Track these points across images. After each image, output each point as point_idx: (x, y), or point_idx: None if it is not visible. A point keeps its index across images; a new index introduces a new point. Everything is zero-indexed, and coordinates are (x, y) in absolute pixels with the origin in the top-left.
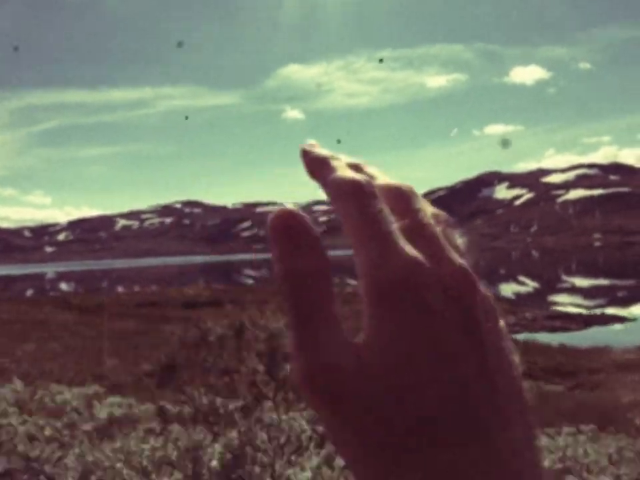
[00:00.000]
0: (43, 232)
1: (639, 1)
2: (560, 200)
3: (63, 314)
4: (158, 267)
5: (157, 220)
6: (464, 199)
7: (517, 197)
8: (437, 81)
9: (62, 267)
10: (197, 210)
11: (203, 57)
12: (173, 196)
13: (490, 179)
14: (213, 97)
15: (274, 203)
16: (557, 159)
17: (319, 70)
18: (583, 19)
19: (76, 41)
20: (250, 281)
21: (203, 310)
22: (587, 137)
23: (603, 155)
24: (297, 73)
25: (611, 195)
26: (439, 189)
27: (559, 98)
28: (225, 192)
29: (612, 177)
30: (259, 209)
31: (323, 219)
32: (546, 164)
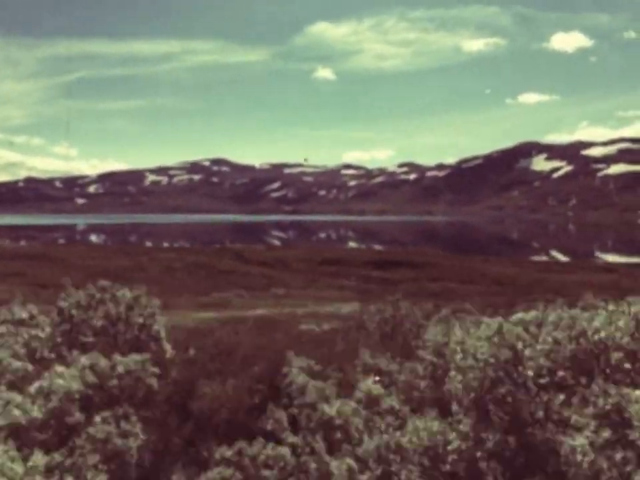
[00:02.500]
0: (74, 183)
1: None
2: (600, 174)
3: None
4: (187, 224)
5: (185, 177)
6: (500, 169)
7: (555, 169)
8: (474, 44)
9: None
10: (224, 168)
11: (232, 12)
12: (199, 153)
13: (527, 150)
14: (241, 53)
15: (301, 165)
16: (590, 131)
17: (349, 29)
18: None
19: None
20: (277, 242)
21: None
22: (623, 109)
23: (638, 129)
24: (326, 31)
25: None
26: (475, 158)
27: (600, 67)
28: (252, 151)
29: None
30: (287, 170)
31: (351, 183)
32: (579, 136)
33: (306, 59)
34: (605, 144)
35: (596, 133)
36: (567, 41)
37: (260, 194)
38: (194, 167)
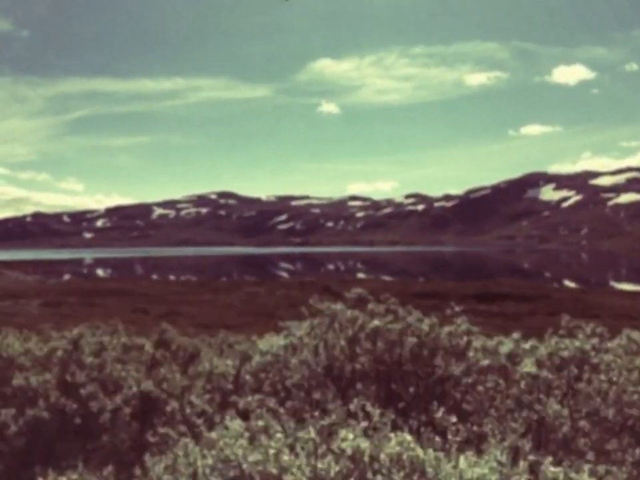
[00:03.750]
0: (81, 218)
1: None
2: (610, 203)
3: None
4: (194, 256)
5: (192, 210)
6: (508, 199)
7: (564, 199)
8: (475, 78)
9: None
10: (231, 201)
11: (234, 50)
12: (206, 187)
13: (535, 180)
14: (244, 89)
15: (308, 197)
16: (593, 162)
17: (351, 65)
18: (620, 19)
19: (110, 30)
20: (284, 274)
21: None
22: (626, 140)
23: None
24: (328, 67)
25: None
26: (482, 188)
27: (602, 99)
28: (258, 184)
29: None
30: (293, 202)
31: (359, 214)
32: (582, 166)
33: (309, 94)
34: (612, 173)
35: (599, 163)
36: (568, 74)
37: (267, 226)
38: (201, 200)
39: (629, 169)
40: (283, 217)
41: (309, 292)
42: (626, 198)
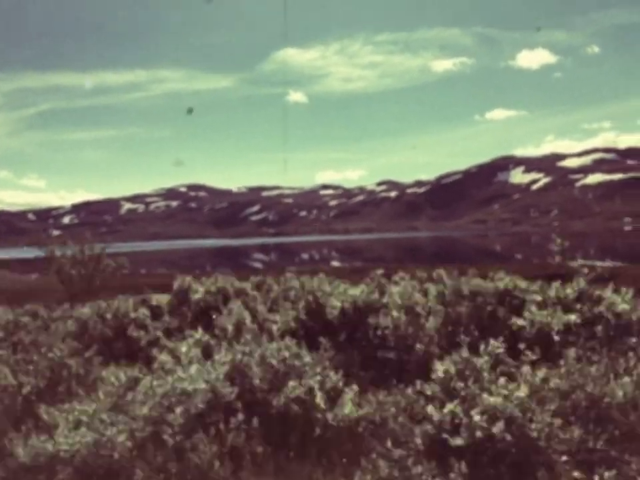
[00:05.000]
0: (47, 215)
1: None
2: (578, 184)
3: None
4: (167, 250)
5: (162, 203)
6: (479, 184)
7: (534, 182)
8: (441, 64)
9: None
10: (202, 193)
11: (196, 41)
12: (175, 180)
13: (504, 164)
14: (208, 80)
15: (279, 187)
16: (556, 144)
17: (315, 54)
18: (579, 3)
19: (69, 23)
20: (258, 265)
21: None
22: (588, 122)
23: (602, 141)
24: (293, 56)
25: (631, 180)
26: (454, 173)
27: (564, 83)
28: (228, 176)
29: (630, 162)
30: (264, 193)
31: (332, 203)
32: (546, 149)
33: (275, 84)
34: (579, 155)
35: (562, 145)
36: (531, 58)
37: (240, 218)
38: (171, 194)
39: (595, 150)
40: (255, 208)
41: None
42: (593, 179)
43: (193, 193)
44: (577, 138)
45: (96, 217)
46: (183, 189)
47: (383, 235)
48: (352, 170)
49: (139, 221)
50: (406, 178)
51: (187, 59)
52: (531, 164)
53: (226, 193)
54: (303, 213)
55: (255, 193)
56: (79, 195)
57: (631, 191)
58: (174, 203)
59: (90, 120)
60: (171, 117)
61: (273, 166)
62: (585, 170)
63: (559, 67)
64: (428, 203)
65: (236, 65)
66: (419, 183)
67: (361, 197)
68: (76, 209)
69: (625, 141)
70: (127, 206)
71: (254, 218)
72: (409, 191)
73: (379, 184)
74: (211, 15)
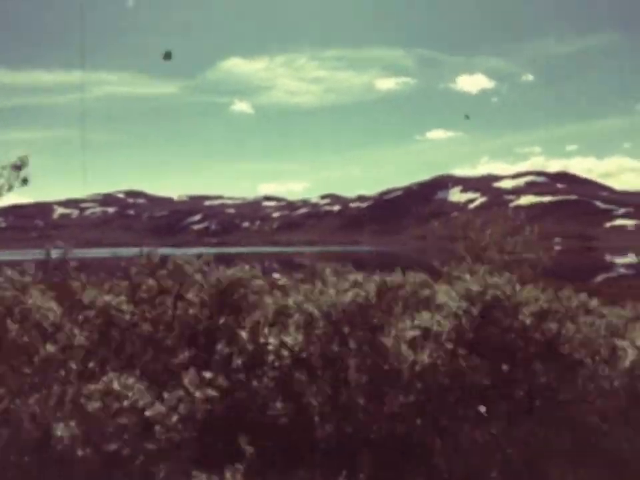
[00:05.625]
0: None
1: (568, 18)
2: (512, 205)
3: None
4: (100, 258)
5: (98, 209)
6: (420, 201)
7: (471, 201)
8: (385, 83)
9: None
10: (140, 200)
11: (140, 45)
12: (112, 186)
13: (444, 182)
14: (151, 85)
15: (221, 197)
16: (490, 166)
17: (261, 65)
18: (514, 32)
19: (1, 19)
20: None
21: None
22: (520, 146)
23: (532, 165)
24: (238, 66)
25: (561, 202)
26: (396, 189)
27: (500, 107)
28: (169, 184)
29: (559, 185)
30: (207, 202)
31: (275, 214)
32: (481, 170)
33: (220, 93)
34: (513, 177)
35: (496, 167)
36: (471, 82)
37: (181, 226)
38: (107, 200)
39: (527, 173)
40: (197, 217)
41: None
42: (526, 200)
43: (131, 200)
44: (509, 161)
45: (26, 221)
46: (121, 195)
47: (327, 247)
48: (295, 182)
49: (72, 226)
50: (349, 192)
51: (129, 63)
52: (468, 184)
53: (166, 201)
54: (246, 224)
55: (196, 201)
56: (7, 198)
57: (560, 213)
58: (110, 210)
59: (22, 120)
60: (110, 120)
61: (216, 175)
62: (518, 191)
63: (495, 92)
64: (370, 217)
65: (181, 72)
66: (361, 198)
67: (304, 210)
68: (4, 212)
69: (553, 165)
70: (60, 211)
71: (195, 227)
72: (352, 205)
73: (323, 197)
74: (154, 20)
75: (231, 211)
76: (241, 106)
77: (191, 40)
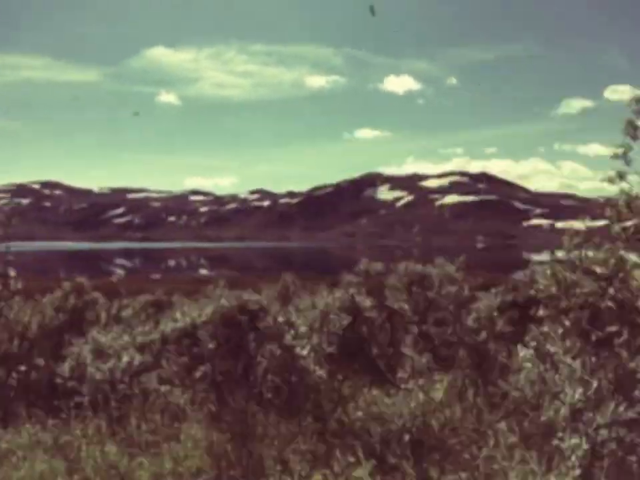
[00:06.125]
0: None
1: (490, 27)
2: (437, 204)
3: None
4: (13, 252)
5: (10, 200)
6: (349, 198)
7: (398, 199)
8: (315, 80)
9: None
10: (58, 192)
11: (59, 29)
12: (24, 176)
13: (372, 180)
14: (71, 71)
15: (145, 190)
16: (416, 165)
17: (188, 55)
18: (440, 37)
19: None
20: (121, 271)
21: None
22: (443, 147)
23: (455, 165)
24: (164, 56)
25: (482, 202)
26: (326, 186)
27: (425, 109)
28: (89, 175)
29: (480, 186)
30: (130, 195)
31: (202, 209)
32: (407, 169)
33: (145, 82)
34: (438, 177)
35: (421, 166)
36: (398, 84)
37: (102, 220)
38: (21, 190)
39: (451, 173)
40: (120, 210)
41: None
42: (450, 199)
43: (47, 191)
44: (433, 161)
45: None
46: (36, 186)
47: (256, 243)
48: (223, 177)
49: None
50: (278, 188)
51: (48, 48)
52: (395, 182)
53: (86, 193)
54: (172, 218)
55: (118, 194)
56: None
57: (482, 212)
58: (24, 201)
59: None
60: (26, 107)
61: (140, 167)
62: (443, 191)
63: (421, 94)
64: (300, 213)
65: (102, 59)
66: (291, 194)
67: (233, 205)
68: None
69: (474, 166)
70: None
71: (117, 221)
72: (282, 201)
73: (252, 192)
74: (75, 3)
75: (156, 204)
76: (167, 97)
77: (113, 26)
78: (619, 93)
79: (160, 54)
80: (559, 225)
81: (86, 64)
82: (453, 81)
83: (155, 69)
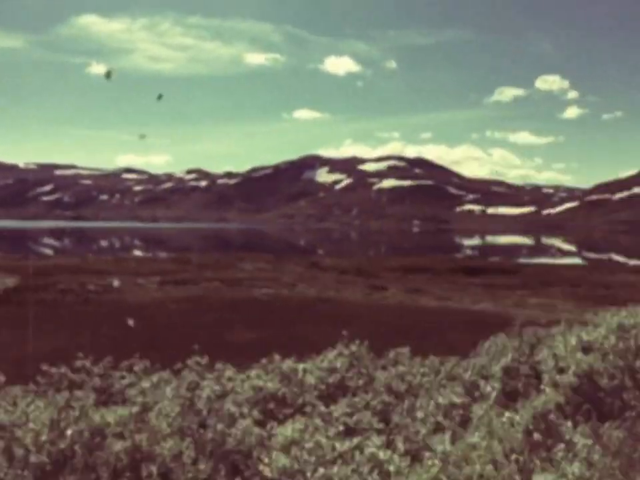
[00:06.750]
0: None
1: (426, 12)
2: (375, 187)
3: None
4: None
5: None
6: (288, 180)
7: (337, 182)
8: (254, 58)
9: None
10: None
11: None
12: None
13: (311, 162)
14: None
15: (75, 167)
16: (354, 148)
17: (121, 25)
18: (379, 19)
19: None
20: (49, 252)
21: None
22: (380, 131)
23: (392, 149)
24: (95, 25)
25: (418, 187)
26: (265, 167)
27: (364, 91)
28: (13, 150)
29: (417, 170)
30: (58, 172)
31: (137, 188)
32: (344, 152)
33: (74, 52)
34: (376, 160)
35: (358, 149)
36: (338, 65)
37: (28, 197)
38: None
39: (389, 157)
40: (48, 188)
41: None
42: (387, 183)
43: None
44: (371, 144)
45: None
46: None
47: (194, 224)
48: (156, 155)
49: None
50: (215, 168)
51: None
52: (334, 165)
53: (11, 168)
54: (104, 197)
55: (46, 170)
56: None
57: (418, 197)
58: None
59: None
60: None
61: (69, 143)
62: (380, 175)
63: (361, 77)
64: (238, 195)
65: (28, 24)
66: (230, 175)
67: (169, 184)
68: None
69: (410, 151)
70: None
71: (46, 198)
72: (220, 181)
73: (189, 172)
74: None
75: (87, 182)
76: (98, 69)
77: None
78: (549, 83)
79: (91, 22)
80: (490, 210)
81: (9, 29)
82: (393, 64)
83: (86, 38)
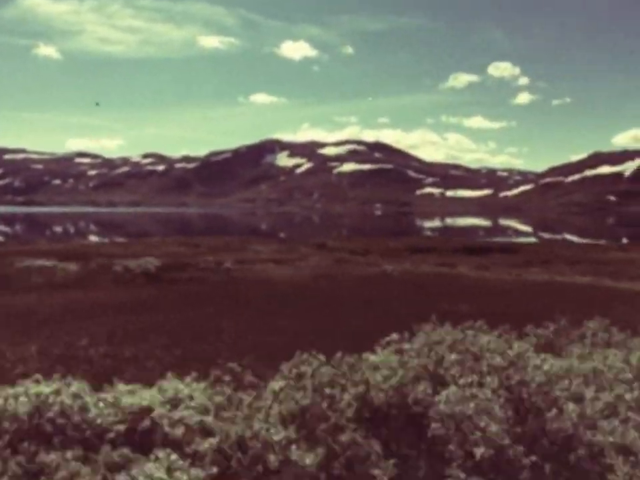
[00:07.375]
0: None
1: None
2: (335, 171)
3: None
4: None
5: None
6: (248, 164)
7: (298, 166)
8: (208, 41)
9: None
10: None
11: None
12: None
13: (271, 146)
14: None
15: (25, 151)
16: (311, 133)
17: (68, 7)
18: (332, 4)
19: None
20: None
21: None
22: (338, 115)
23: (348, 134)
24: (41, 5)
25: (378, 171)
26: (224, 151)
27: (320, 76)
28: None
29: (376, 155)
30: (7, 156)
31: (91, 172)
32: (302, 136)
33: (20, 34)
34: (336, 145)
35: (316, 133)
36: (294, 49)
37: None
38: None
39: (348, 142)
40: None
41: None
42: (347, 167)
43: None
44: (328, 129)
45: None
46: None
47: (151, 209)
48: (109, 139)
49: None
50: (171, 152)
51: None
52: (294, 149)
53: None
54: (57, 182)
55: None
56: None
57: (378, 180)
58: None
59: None
60: None
61: (17, 126)
62: (340, 159)
63: (317, 61)
64: (197, 179)
65: None
66: (187, 159)
67: (125, 169)
68: None
69: (367, 135)
70: None
71: None
72: (178, 165)
73: (145, 156)
74: None
75: (38, 166)
76: (46, 50)
77: None
78: (501, 69)
79: (36, 3)
80: (449, 193)
81: None
82: (349, 49)
83: (32, 19)
